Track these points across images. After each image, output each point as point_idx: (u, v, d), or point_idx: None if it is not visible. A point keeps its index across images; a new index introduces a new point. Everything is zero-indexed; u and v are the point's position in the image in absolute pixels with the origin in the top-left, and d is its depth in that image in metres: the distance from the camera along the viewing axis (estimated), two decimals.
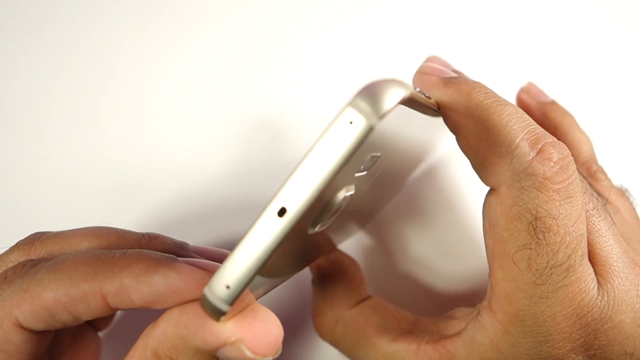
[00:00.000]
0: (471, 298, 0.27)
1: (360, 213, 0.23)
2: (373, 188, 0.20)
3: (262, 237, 0.13)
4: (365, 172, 0.16)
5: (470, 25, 0.30)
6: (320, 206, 0.15)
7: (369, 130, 0.12)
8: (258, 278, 0.14)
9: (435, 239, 0.28)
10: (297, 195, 0.13)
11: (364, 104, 0.12)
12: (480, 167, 0.19)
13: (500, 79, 0.28)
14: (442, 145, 0.28)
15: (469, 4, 0.30)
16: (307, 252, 0.20)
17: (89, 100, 0.29)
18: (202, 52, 0.30)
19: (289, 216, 0.13)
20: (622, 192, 0.24)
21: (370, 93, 0.13)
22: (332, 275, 0.24)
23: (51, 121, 0.29)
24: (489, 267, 0.20)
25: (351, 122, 0.12)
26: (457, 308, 0.23)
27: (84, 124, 0.29)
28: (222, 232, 0.28)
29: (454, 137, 0.21)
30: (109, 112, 0.29)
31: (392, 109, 0.13)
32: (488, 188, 0.19)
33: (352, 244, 0.28)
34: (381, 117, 0.12)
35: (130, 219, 0.28)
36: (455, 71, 0.21)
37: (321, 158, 0.13)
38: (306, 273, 0.28)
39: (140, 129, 0.29)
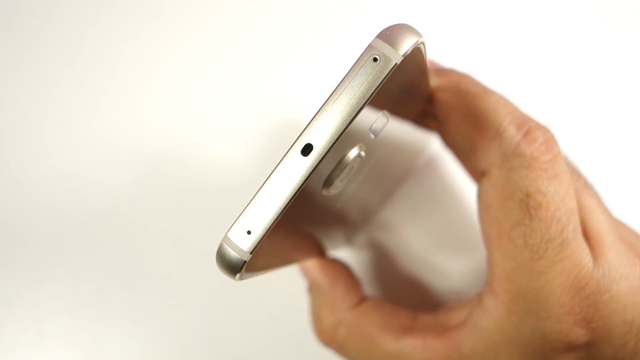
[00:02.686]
0: (469, 293, 0.28)
1: (355, 209, 0.24)
2: (368, 180, 0.21)
3: (287, 175, 0.13)
4: (374, 137, 0.16)
5: (460, 23, 0.31)
6: (336, 159, 0.15)
7: (393, 66, 0.13)
8: (271, 238, 0.14)
9: (431, 236, 0.29)
10: (323, 132, 0.13)
11: (387, 44, 0.13)
12: (471, 152, 0.20)
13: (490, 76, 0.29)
14: (427, 154, 0.29)
15: (462, 5, 0.31)
16: (310, 234, 0.20)
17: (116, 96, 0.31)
18: (228, 50, 0.31)
19: (315, 152, 0.13)
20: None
21: (393, 34, 0.13)
22: (328, 278, 0.24)
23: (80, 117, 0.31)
24: (487, 250, 0.20)
25: (375, 59, 0.13)
26: (451, 300, 0.23)
27: (108, 119, 0.30)
28: None
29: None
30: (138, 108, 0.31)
31: (412, 47, 0.13)
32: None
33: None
34: (402, 55, 0.13)
35: (152, 209, 0.29)
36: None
37: (347, 94, 0.13)
38: (301, 288, 0.28)
39: (169, 126, 0.30)
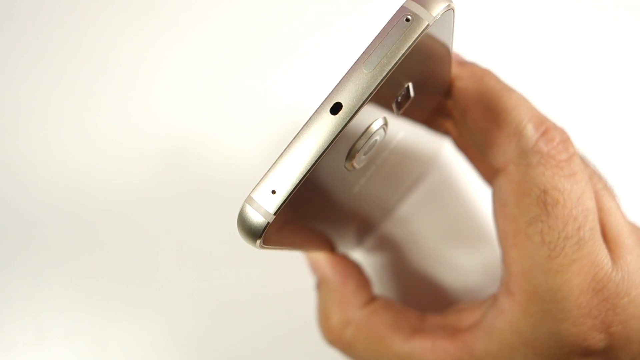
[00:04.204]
0: (480, 291, 0.27)
1: (369, 206, 0.23)
2: (381, 176, 0.20)
3: (316, 134, 0.13)
4: (398, 113, 0.16)
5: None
6: (361, 128, 0.15)
7: (425, 26, 0.13)
8: (294, 203, 0.13)
9: (443, 233, 0.28)
10: (353, 91, 0.13)
11: (419, 4, 0.13)
12: (488, 147, 0.20)
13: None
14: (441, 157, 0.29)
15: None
16: (324, 222, 0.20)
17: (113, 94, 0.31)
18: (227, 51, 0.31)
19: (344, 111, 0.13)
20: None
21: None
22: (339, 275, 0.23)
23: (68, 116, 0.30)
24: (502, 250, 0.20)
25: (408, 20, 0.13)
26: (462, 300, 0.23)
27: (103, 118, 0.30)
28: None
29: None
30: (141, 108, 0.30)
31: (445, 10, 0.13)
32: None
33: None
34: (435, 16, 0.13)
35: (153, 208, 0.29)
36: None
37: (378, 53, 0.13)
38: (308, 284, 0.28)
39: (180, 122, 0.30)
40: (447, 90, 0.20)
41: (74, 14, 0.32)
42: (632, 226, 0.20)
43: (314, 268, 0.24)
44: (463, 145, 0.24)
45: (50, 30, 0.31)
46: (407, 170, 0.25)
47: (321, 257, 0.24)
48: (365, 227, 0.27)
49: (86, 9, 0.32)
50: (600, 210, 0.19)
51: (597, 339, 0.18)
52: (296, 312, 0.28)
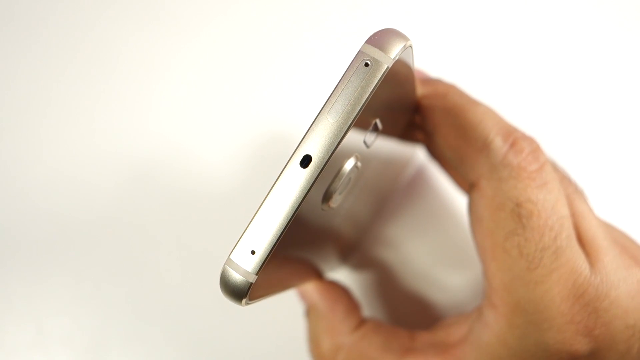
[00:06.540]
0: (467, 305, 0.27)
1: (350, 227, 0.23)
2: (362, 196, 0.20)
3: (288, 189, 0.13)
4: (368, 147, 0.16)
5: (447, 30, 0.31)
6: (334, 171, 0.15)
7: (385, 70, 0.13)
8: (275, 258, 0.13)
9: (428, 249, 0.28)
10: (320, 142, 0.13)
11: (377, 48, 0.13)
12: (460, 163, 0.20)
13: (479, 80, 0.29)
14: (410, 172, 0.29)
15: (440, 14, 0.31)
16: (309, 256, 0.19)
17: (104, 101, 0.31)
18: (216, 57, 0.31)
19: (314, 163, 0.13)
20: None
21: (382, 38, 0.13)
22: (327, 302, 0.24)
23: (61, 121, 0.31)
24: (483, 264, 0.20)
25: (367, 64, 0.13)
26: (448, 315, 0.23)
27: (96, 124, 0.31)
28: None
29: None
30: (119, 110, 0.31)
31: (402, 50, 0.13)
32: None
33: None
34: (394, 58, 0.13)
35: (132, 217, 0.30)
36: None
37: (342, 101, 0.13)
38: (297, 312, 0.28)
39: (161, 133, 0.30)
40: (414, 107, 0.20)
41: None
42: (606, 226, 0.20)
43: (302, 295, 0.24)
44: (435, 154, 0.24)
45: (36, 45, 0.32)
46: (383, 184, 0.25)
47: (309, 285, 0.24)
48: (349, 246, 0.27)
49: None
50: (573, 214, 0.19)
51: (582, 343, 0.18)
52: (286, 341, 0.28)
